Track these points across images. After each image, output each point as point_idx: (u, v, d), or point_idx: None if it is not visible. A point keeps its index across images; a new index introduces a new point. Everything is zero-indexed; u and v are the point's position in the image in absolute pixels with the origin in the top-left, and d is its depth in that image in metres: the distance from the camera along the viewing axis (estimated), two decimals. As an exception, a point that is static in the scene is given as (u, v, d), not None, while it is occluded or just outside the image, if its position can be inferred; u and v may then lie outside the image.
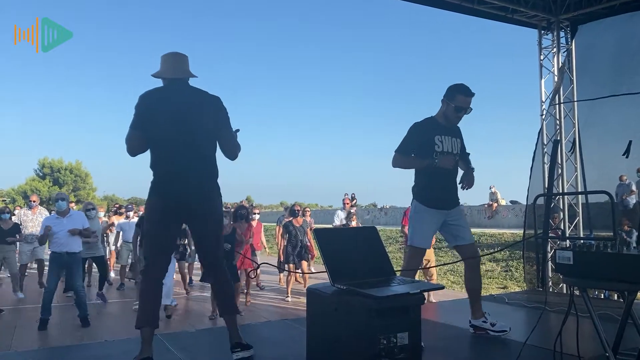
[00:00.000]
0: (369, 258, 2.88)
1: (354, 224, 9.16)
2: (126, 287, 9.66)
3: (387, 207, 26.11)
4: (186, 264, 9.14)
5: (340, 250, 2.80)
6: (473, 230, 5.16)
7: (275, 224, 14.97)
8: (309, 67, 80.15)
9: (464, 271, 3.83)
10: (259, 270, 8.74)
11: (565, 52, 7.32)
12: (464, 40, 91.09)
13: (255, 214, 9.51)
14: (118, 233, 9.94)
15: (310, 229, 8.77)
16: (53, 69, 62.17)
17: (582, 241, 2.76)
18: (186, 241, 8.63)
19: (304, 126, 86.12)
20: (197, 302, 8.38)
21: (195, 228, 3.08)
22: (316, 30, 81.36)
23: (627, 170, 10.10)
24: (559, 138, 7.18)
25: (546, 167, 7.16)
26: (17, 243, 8.78)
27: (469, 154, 3.83)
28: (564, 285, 6.47)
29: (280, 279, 10.18)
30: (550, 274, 6.87)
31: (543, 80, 7.36)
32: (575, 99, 7.19)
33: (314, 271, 8.57)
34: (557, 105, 7.17)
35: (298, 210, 9.00)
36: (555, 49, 7.31)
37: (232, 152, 3.07)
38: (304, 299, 3.00)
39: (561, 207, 7.26)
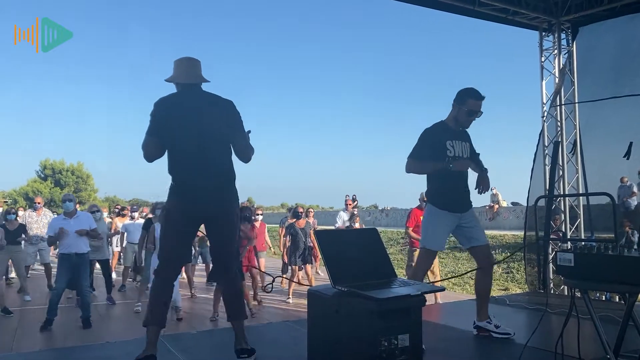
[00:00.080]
0: (370, 260, 2.89)
1: (357, 225, 9.16)
2: (127, 288, 9.66)
3: (388, 208, 26.12)
4: (190, 265, 9.15)
5: (341, 252, 2.80)
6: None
7: (276, 225, 15.01)
8: (309, 67, 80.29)
9: (476, 272, 3.84)
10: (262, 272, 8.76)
11: (566, 54, 7.33)
12: (463, 41, 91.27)
13: (258, 214, 9.52)
14: (123, 234, 9.95)
15: (314, 231, 8.75)
16: (53, 69, 62.32)
17: (583, 243, 2.77)
18: None
19: (304, 126, 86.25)
20: (199, 304, 8.38)
21: (211, 231, 3.12)
22: (316, 30, 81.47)
23: (628, 172, 10.09)
24: (559, 139, 7.18)
25: (547, 168, 7.15)
26: (23, 243, 8.81)
27: (478, 154, 3.86)
28: (565, 287, 6.46)
29: (282, 280, 10.18)
30: (551, 276, 6.86)
31: (544, 82, 7.36)
32: (576, 101, 7.18)
33: (312, 280, 8.57)
34: (558, 107, 7.17)
35: (301, 212, 8.98)
36: (556, 51, 7.31)
37: (246, 154, 3.10)
38: (305, 301, 3.00)
39: (562, 209, 7.25)
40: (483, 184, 3.71)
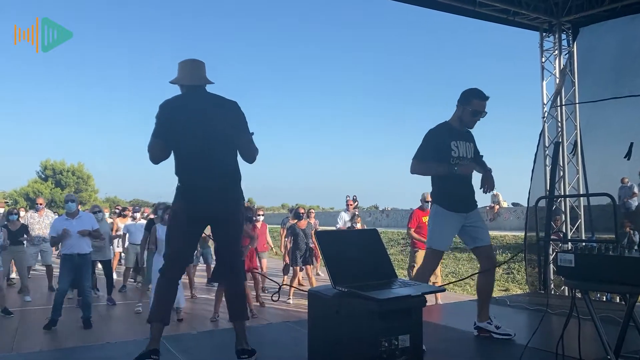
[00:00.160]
0: (371, 260, 2.89)
1: (358, 225, 9.15)
2: (128, 289, 9.66)
3: (389, 209, 26.13)
4: (191, 265, 9.15)
5: (341, 253, 2.81)
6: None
7: (277, 225, 15.01)
8: (309, 67, 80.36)
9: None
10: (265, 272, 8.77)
11: (567, 55, 7.32)
12: (463, 41, 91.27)
13: (259, 215, 9.52)
14: (124, 235, 9.95)
15: (314, 231, 8.75)
16: (53, 69, 62.42)
17: (583, 244, 2.77)
18: None
19: (304, 126, 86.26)
20: (199, 304, 8.38)
21: (217, 231, 3.14)
22: (316, 30, 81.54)
23: (629, 173, 10.08)
24: (560, 140, 7.17)
25: (547, 169, 7.15)
26: (25, 243, 8.82)
27: (482, 155, 3.88)
28: (566, 287, 6.45)
29: (283, 280, 10.17)
30: (552, 277, 6.86)
31: (544, 82, 7.36)
32: (577, 101, 7.18)
33: (313, 281, 8.58)
34: (559, 107, 7.17)
35: (302, 213, 8.98)
36: (556, 51, 7.31)
37: (251, 155, 3.11)
38: (305, 301, 3.00)
39: (563, 210, 7.24)
40: (488, 184, 3.71)
